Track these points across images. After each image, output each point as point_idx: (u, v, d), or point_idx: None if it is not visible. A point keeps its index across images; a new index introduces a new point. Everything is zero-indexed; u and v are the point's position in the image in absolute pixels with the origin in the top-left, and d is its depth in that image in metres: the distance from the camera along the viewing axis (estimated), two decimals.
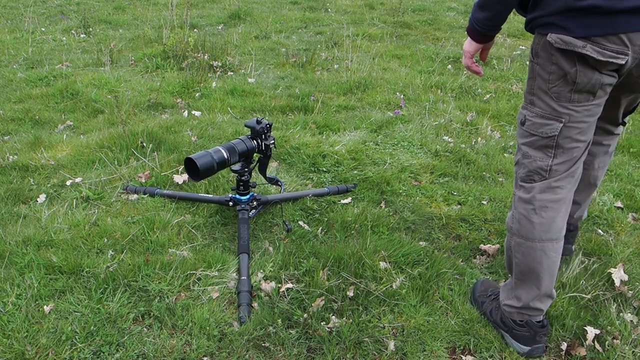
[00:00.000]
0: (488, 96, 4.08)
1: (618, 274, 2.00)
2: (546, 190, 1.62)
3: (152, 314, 1.82)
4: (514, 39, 6.00)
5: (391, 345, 1.73)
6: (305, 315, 1.82)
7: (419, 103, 3.90)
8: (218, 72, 4.49)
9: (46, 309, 1.81)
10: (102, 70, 4.53)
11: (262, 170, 2.43)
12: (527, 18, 1.56)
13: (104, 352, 1.67)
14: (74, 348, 1.67)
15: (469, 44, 1.72)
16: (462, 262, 2.17)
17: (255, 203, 2.38)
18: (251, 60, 4.89)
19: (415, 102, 3.94)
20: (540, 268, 1.65)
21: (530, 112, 1.60)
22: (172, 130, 3.28)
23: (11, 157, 2.91)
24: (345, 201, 2.57)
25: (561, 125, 1.55)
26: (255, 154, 2.34)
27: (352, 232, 2.31)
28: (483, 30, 1.64)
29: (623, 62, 1.44)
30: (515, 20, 6.81)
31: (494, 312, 1.84)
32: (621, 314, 1.89)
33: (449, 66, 4.84)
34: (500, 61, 4.96)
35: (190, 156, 2.10)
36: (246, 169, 2.31)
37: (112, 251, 2.11)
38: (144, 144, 3.01)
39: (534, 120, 1.59)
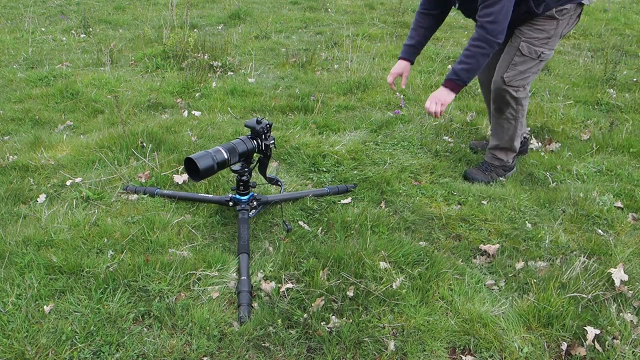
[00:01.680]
0: None
1: (618, 274, 2.00)
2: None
3: (152, 314, 1.82)
4: None
5: (391, 345, 1.73)
6: (305, 315, 1.82)
7: (419, 103, 3.90)
8: (218, 72, 4.49)
9: (46, 309, 1.81)
10: (102, 70, 4.53)
11: (262, 170, 2.43)
12: (548, 7, 2.49)
13: (104, 352, 1.67)
14: (74, 348, 1.67)
15: (451, 97, 2.47)
16: (462, 262, 2.17)
17: (255, 203, 2.38)
18: (251, 60, 4.89)
19: (415, 102, 3.94)
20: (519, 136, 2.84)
21: (546, 48, 2.59)
22: (172, 130, 3.28)
23: (11, 157, 2.91)
24: (345, 201, 2.57)
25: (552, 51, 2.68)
26: (255, 154, 2.34)
27: (352, 232, 2.31)
28: (468, 83, 2.50)
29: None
30: None
31: (493, 175, 2.85)
32: (621, 314, 1.88)
33: (449, 66, 4.84)
34: None
35: (190, 156, 2.10)
36: (246, 169, 2.31)
37: (112, 251, 2.11)
38: (144, 144, 3.01)
39: (548, 53, 2.61)
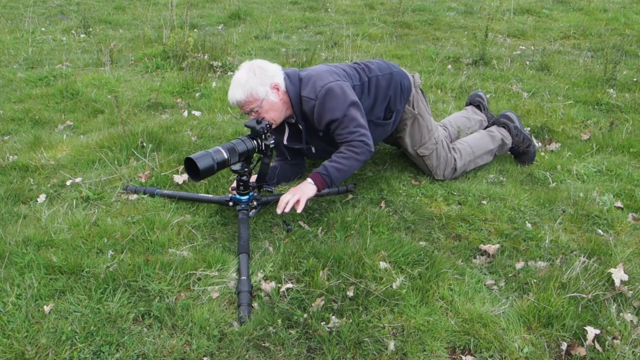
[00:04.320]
0: (488, 96, 4.08)
1: (618, 274, 2.00)
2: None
3: (152, 314, 1.82)
4: (514, 39, 6.00)
5: (391, 345, 1.73)
6: (305, 315, 1.82)
7: None
8: (218, 72, 4.49)
9: (46, 309, 1.81)
10: (102, 70, 4.53)
11: (263, 173, 2.42)
12: (399, 112, 2.68)
13: (104, 352, 1.67)
14: (74, 348, 1.67)
15: (313, 192, 2.30)
16: (462, 262, 2.17)
17: (255, 203, 2.38)
18: (251, 60, 4.88)
19: None
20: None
21: (434, 135, 2.76)
22: (172, 130, 3.28)
23: (11, 157, 2.91)
24: (345, 201, 2.57)
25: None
26: (255, 154, 2.34)
27: (352, 232, 2.31)
28: (335, 183, 2.37)
29: None
30: (516, 21, 6.81)
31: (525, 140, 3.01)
32: (621, 314, 1.88)
33: (449, 66, 4.84)
34: (500, 61, 4.97)
35: (190, 156, 2.10)
36: (246, 169, 2.30)
37: (112, 251, 2.10)
38: (144, 144, 3.01)
39: (437, 134, 2.77)
